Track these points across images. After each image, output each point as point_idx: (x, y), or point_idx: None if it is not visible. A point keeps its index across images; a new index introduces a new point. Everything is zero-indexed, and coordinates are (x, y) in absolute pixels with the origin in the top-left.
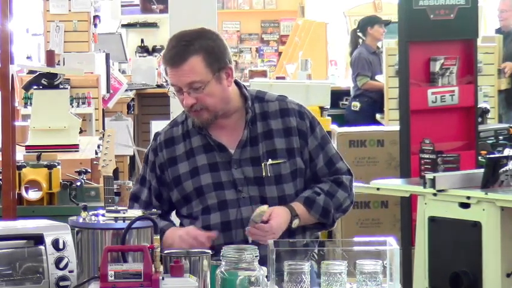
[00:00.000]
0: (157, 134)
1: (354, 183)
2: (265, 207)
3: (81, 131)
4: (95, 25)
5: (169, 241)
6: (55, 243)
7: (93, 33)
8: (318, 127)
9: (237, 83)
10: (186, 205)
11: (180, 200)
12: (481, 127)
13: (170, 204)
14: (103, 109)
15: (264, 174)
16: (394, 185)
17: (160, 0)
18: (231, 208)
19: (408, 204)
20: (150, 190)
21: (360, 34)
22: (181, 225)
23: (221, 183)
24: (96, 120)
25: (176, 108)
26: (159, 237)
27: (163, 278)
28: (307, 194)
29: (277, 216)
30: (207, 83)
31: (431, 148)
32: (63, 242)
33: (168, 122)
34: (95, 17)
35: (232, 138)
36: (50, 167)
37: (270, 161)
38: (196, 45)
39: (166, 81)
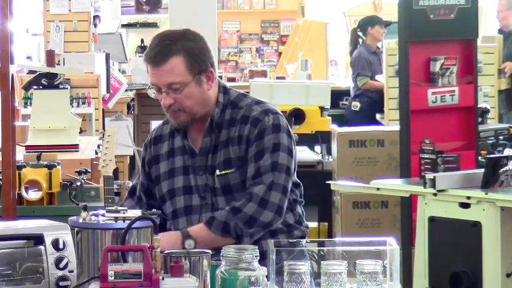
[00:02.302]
0: (153, 130)
1: (353, 183)
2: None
3: (81, 131)
4: (95, 25)
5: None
6: (55, 243)
7: (93, 33)
8: (271, 136)
9: (223, 88)
10: (163, 204)
11: (160, 198)
12: (481, 127)
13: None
14: (103, 109)
15: (217, 184)
16: (394, 185)
17: (150, 1)
18: (194, 214)
19: (408, 204)
20: (143, 185)
21: (360, 34)
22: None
23: (190, 188)
24: (96, 120)
25: None
26: (159, 237)
27: (163, 278)
28: (210, 213)
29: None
30: (186, 85)
31: (432, 148)
32: (63, 242)
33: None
34: (95, 17)
35: (200, 144)
36: (50, 167)
37: (217, 172)
38: (178, 46)
39: None
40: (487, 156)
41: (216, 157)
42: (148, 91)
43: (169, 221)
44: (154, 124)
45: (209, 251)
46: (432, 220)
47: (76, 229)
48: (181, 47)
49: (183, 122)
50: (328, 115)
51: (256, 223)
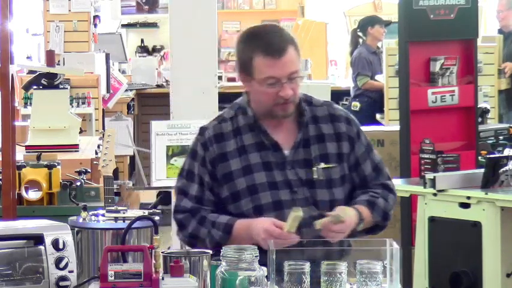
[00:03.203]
0: (204, 129)
1: None
2: (338, 216)
3: (81, 131)
4: (95, 25)
5: (242, 233)
6: (55, 243)
7: (93, 33)
8: (363, 134)
9: None
10: (234, 203)
11: (229, 197)
12: (481, 127)
13: (218, 200)
14: (103, 109)
15: (315, 177)
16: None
17: (148, 1)
18: (286, 208)
19: (408, 204)
20: (203, 185)
21: (360, 34)
22: None
23: (275, 183)
24: (96, 120)
25: (176, 108)
26: (159, 237)
27: (163, 278)
28: (367, 198)
29: (350, 218)
30: (299, 73)
31: (431, 148)
32: (63, 242)
33: (166, 121)
34: (95, 17)
35: (285, 139)
36: (50, 167)
37: (322, 165)
38: (286, 37)
39: (166, 81)
40: (487, 156)
41: (309, 151)
42: (253, 85)
43: (251, 216)
44: (154, 124)
45: (209, 251)
46: (432, 220)
47: (76, 229)
48: (288, 37)
49: (290, 113)
50: None
51: (390, 212)
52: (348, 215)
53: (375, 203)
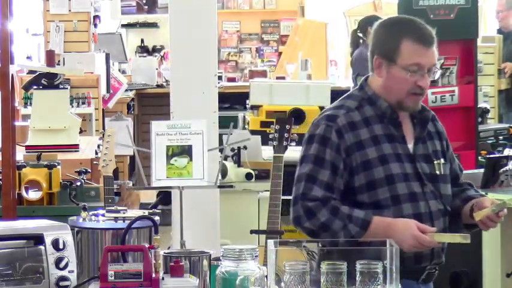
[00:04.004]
0: (333, 117)
1: None
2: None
3: (81, 131)
4: (95, 25)
5: (379, 232)
6: (55, 243)
7: (93, 33)
8: None
9: None
10: (369, 192)
11: (364, 185)
12: (481, 127)
13: (345, 190)
14: (103, 109)
15: (437, 172)
16: None
17: (149, 1)
18: (420, 201)
19: None
20: (335, 173)
21: (360, 34)
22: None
23: (408, 175)
24: (96, 120)
25: (176, 108)
26: (159, 237)
27: (163, 278)
28: (478, 193)
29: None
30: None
31: None
32: (63, 242)
33: (166, 121)
34: (95, 17)
35: (407, 133)
36: (50, 167)
37: (441, 161)
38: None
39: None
40: (487, 156)
41: (427, 147)
42: (394, 70)
43: (388, 207)
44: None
45: (210, 251)
46: None
47: (76, 229)
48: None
49: (418, 107)
50: None
51: None
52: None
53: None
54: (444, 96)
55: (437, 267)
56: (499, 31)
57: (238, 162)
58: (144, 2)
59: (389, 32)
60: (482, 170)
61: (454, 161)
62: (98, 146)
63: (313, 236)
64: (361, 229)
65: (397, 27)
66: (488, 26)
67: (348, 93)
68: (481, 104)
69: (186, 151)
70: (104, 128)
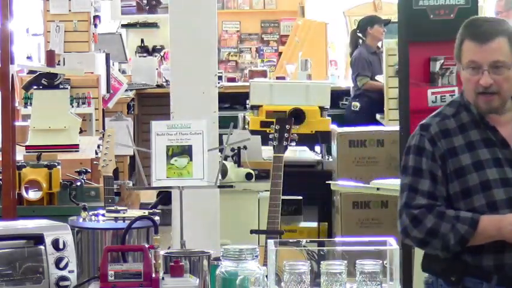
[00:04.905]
0: (426, 125)
1: (353, 183)
2: None
3: (81, 131)
4: (95, 25)
5: (489, 228)
6: (55, 243)
7: (93, 33)
8: None
9: None
10: (464, 199)
11: (458, 193)
12: None
13: (447, 196)
14: (103, 109)
15: None
16: (394, 185)
17: (149, 1)
18: None
19: None
20: (435, 180)
21: (359, 34)
22: None
23: (508, 180)
24: (96, 120)
25: (176, 108)
26: (159, 237)
27: (163, 278)
28: None
29: None
30: (508, 66)
31: None
32: (63, 242)
33: (166, 121)
34: (95, 17)
35: (509, 137)
36: (50, 167)
37: None
38: (504, 27)
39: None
40: None
41: None
42: (461, 72)
43: (486, 214)
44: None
45: (210, 251)
46: None
47: (76, 229)
48: (505, 29)
49: (494, 108)
50: (328, 115)
51: None
52: None
53: None
54: (444, 96)
55: None
56: None
57: (238, 162)
58: (146, 2)
59: (458, 35)
60: None
61: None
62: (98, 146)
63: (423, 247)
64: (470, 227)
65: (463, 29)
66: None
67: (452, 99)
68: None
69: (186, 151)
70: (104, 128)
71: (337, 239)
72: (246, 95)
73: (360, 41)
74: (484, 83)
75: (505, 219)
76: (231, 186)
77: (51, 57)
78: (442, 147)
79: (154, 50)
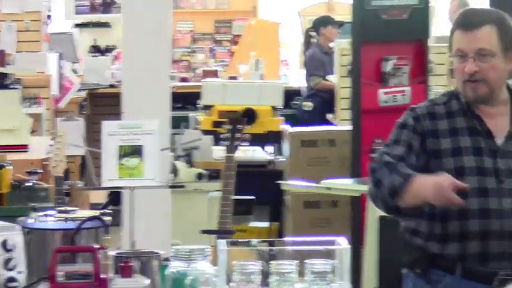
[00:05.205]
0: (415, 107)
1: (304, 183)
2: None
3: (32, 131)
4: (47, 25)
5: (418, 188)
6: (4, 244)
7: (45, 33)
8: None
9: None
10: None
11: (432, 172)
12: None
13: (420, 169)
14: (54, 109)
15: None
16: (345, 185)
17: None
18: (491, 196)
19: (359, 204)
20: (410, 149)
21: (313, 34)
22: None
23: (483, 169)
24: (47, 120)
25: (128, 108)
26: (109, 237)
27: (113, 279)
28: None
29: None
30: (494, 55)
31: None
32: (12, 242)
33: (118, 121)
34: (47, 16)
35: (498, 128)
36: None
37: None
38: (493, 16)
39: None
40: None
41: None
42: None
43: None
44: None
45: (159, 252)
46: (382, 219)
47: (26, 230)
48: (495, 18)
49: (480, 96)
50: (280, 115)
51: None
52: None
53: None
54: (395, 96)
55: None
56: None
57: (190, 162)
58: (101, 1)
59: (451, 27)
60: None
61: None
62: (49, 146)
63: (372, 201)
64: (404, 180)
65: (455, 20)
66: (440, 26)
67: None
68: None
69: (137, 151)
70: (55, 128)
71: (288, 239)
72: (198, 95)
73: (314, 40)
74: (468, 70)
75: (428, 177)
76: (182, 186)
77: (1, 57)
78: (425, 126)
79: (107, 50)
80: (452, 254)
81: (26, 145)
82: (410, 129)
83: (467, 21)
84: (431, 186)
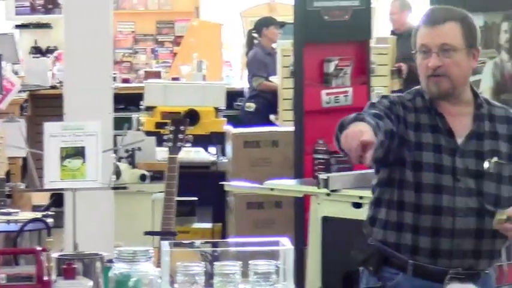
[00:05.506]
0: (386, 95)
1: (247, 184)
2: None
3: None
4: None
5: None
6: None
7: None
8: None
9: None
10: (400, 167)
11: (397, 158)
12: None
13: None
14: None
15: (487, 168)
16: (288, 186)
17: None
18: (445, 194)
19: (302, 204)
20: (387, 114)
21: (255, 35)
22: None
23: (441, 167)
24: None
25: (70, 109)
26: (52, 239)
27: (56, 281)
28: None
29: None
30: (457, 50)
31: (325, 148)
32: None
33: (60, 123)
34: None
35: (460, 128)
36: None
37: (495, 159)
38: (457, 14)
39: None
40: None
41: (482, 144)
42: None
43: (410, 191)
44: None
45: (103, 253)
46: (325, 220)
47: None
48: (459, 16)
49: (443, 91)
50: (223, 116)
51: None
52: None
53: None
54: (338, 97)
55: (474, 273)
56: (393, 32)
57: (133, 164)
58: (41, 3)
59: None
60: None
61: None
62: None
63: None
64: (339, 129)
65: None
66: (382, 27)
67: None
68: None
69: (79, 152)
70: None
71: (231, 240)
72: (140, 96)
73: (256, 41)
74: (431, 64)
75: (359, 127)
76: (125, 188)
77: None
78: (400, 111)
79: (48, 51)
80: (407, 245)
81: None
82: (388, 100)
83: (431, 17)
84: (350, 129)
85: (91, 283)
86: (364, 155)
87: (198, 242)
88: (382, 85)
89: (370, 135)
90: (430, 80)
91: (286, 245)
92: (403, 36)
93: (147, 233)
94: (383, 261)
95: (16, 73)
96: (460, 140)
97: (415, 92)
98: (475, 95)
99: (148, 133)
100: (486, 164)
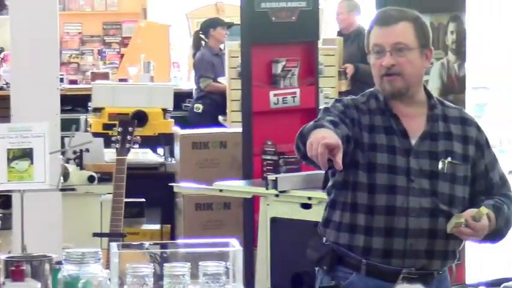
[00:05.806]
0: (340, 99)
1: (196, 185)
2: (483, 208)
3: None
4: None
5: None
6: None
7: None
8: (490, 145)
9: None
10: (353, 170)
11: (351, 161)
12: None
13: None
14: None
15: (440, 169)
16: (237, 187)
17: None
18: (399, 194)
19: (251, 205)
20: (342, 119)
21: (202, 36)
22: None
23: (395, 168)
24: None
25: (17, 111)
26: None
27: (4, 283)
28: (492, 203)
29: (486, 220)
30: (410, 50)
31: (274, 149)
32: None
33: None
34: None
35: (413, 129)
36: None
37: (449, 159)
38: (410, 15)
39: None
40: None
41: (436, 145)
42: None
43: (363, 192)
44: None
45: (51, 255)
46: (274, 221)
47: None
48: (412, 17)
49: (397, 90)
50: (171, 117)
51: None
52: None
53: (500, 208)
54: (286, 98)
55: (428, 273)
56: (339, 33)
57: (81, 165)
58: None
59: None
60: (323, 171)
61: (493, 171)
62: None
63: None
64: (314, 127)
65: (371, 20)
66: (329, 28)
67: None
68: (322, 106)
69: (27, 154)
70: None
71: (180, 241)
72: (88, 97)
73: (203, 42)
74: (385, 63)
75: (322, 133)
76: (73, 190)
77: None
78: (353, 114)
79: None
80: (359, 246)
81: None
82: (342, 104)
83: (384, 17)
84: (312, 137)
85: (39, 285)
86: (334, 159)
87: (147, 244)
88: (330, 86)
89: (334, 139)
90: (383, 79)
91: (235, 246)
92: (350, 37)
93: (96, 235)
94: (337, 260)
95: None
96: (414, 141)
97: (369, 94)
98: (429, 96)
99: (96, 134)
100: (440, 165)
